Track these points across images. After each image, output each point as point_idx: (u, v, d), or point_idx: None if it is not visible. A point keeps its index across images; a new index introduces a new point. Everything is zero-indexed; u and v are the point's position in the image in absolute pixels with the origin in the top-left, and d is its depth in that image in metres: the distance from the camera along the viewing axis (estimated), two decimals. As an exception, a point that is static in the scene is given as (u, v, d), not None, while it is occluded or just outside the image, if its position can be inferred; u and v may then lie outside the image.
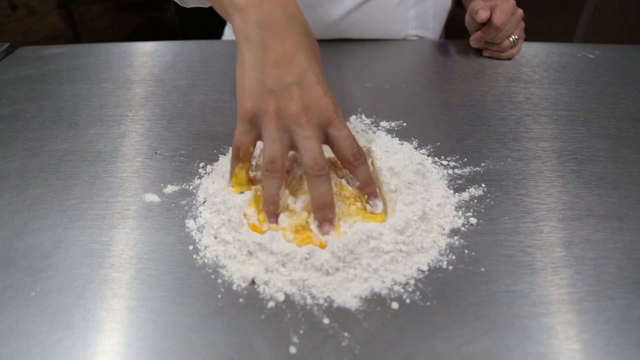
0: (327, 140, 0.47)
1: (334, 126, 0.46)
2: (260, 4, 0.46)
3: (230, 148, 0.51)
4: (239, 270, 0.42)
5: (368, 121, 0.64)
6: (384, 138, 0.58)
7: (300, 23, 0.48)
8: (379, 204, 0.48)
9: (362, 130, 0.60)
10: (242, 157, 0.48)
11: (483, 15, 0.76)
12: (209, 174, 0.54)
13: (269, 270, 0.42)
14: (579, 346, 0.36)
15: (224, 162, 0.55)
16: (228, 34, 1.04)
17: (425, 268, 0.42)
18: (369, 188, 0.48)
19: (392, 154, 0.53)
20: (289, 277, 0.41)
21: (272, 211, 0.46)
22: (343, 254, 0.41)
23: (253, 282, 0.41)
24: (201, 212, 0.49)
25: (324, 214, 0.45)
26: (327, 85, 0.47)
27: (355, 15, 0.86)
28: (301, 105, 0.44)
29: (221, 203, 0.47)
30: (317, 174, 0.44)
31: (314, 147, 0.44)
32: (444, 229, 0.46)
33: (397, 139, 0.60)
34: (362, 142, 0.54)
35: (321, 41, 0.87)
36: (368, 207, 0.48)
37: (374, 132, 0.60)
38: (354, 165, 0.46)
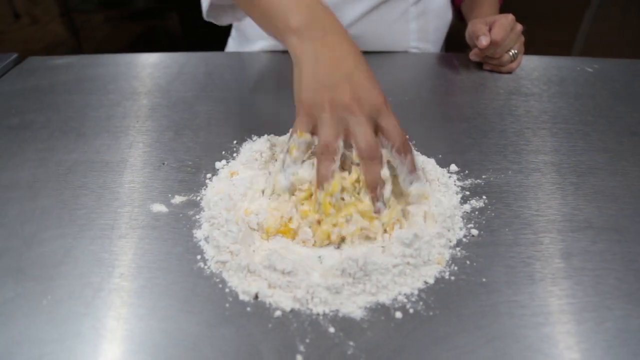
0: (377, 130, 0.50)
1: (384, 116, 0.49)
2: (313, 25, 0.53)
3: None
4: (242, 284, 0.43)
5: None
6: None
7: (347, 37, 0.54)
8: (422, 186, 0.50)
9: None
10: (296, 148, 0.50)
11: (484, 42, 0.77)
12: (211, 181, 0.56)
13: (272, 286, 0.42)
14: (579, 355, 0.37)
15: (225, 171, 0.57)
16: (232, 45, 1.05)
17: (432, 281, 0.43)
18: (412, 175, 0.50)
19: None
20: (292, 294, 0.42)
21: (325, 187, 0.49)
22: (353, 271, 0.42)
23: (257, 296, 0.42)
24: (202, 223, 0.50)
25: (378, 193, 0.48)
26: (377, 83, 0.51)
27: (357, 28, 0.88)
28: (353, 96, 0.49)
29: (219, 216, 0.48)
30: (371, 157, 0.48)
31: (367, 132, 0.48)
32: (450, 242, 0.47)
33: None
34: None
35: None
36: (411, 189, 0.50)
37: None
38: (402, 152, 0.49)
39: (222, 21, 0.78)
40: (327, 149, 0.48)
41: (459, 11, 1.01)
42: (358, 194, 0.49)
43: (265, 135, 0.61)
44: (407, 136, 0.50)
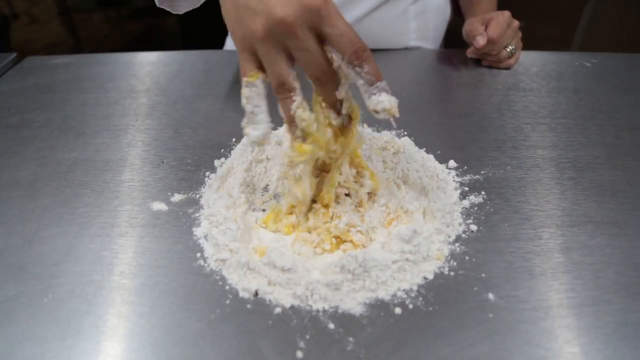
0: (323, 40, 0.41)
1: (327, 23, 0.40)
2: None
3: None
4: (242, 282, 0.43)
5: (369, 130, 0.65)
6: (408, 144, 0.60)
7: None
8: (387, 99, 0.42)
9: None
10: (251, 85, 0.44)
11: (481, 42, 0.77)
12: (209, 181, 0.56)
13: (272, 283, 0.42)
14: (578, 349, 0.37)
15: (223, 170, 0.57)
16: (230, 44, 1.05)
17: (431, 277, 0.43)
18: (378, 79, 0.42)
19: (414, 163, 0.56)
20: (292, 291, 0.42)
21: (292, 129, 0.45)
22: (352, 267, 0.42)
23: (256, 293, 0.42)
24: (201, 221, 0.50)
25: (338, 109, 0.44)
26: None
27: (357, 27, 0.87)
28: (285, 8, 0.39)
29: (218, 214, 0.48)
30: (323, 82, 0.42)
31: (315, 58, 0.41)
32: (449, 237, 0.47)
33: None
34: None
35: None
36: (372, 102, 0.41)
37: (399, 138, 0.62)
38: (359, 61, 0.41)
39: (177, 9, 0.70)
40: (284, 88, 0.42)
41: (457, 6, 1.01)
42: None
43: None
44: (362, 43, 0.41)
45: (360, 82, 0.41)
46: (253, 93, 0.43)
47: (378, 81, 0.41)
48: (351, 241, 0.47)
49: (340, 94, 0.43)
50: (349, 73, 0.41)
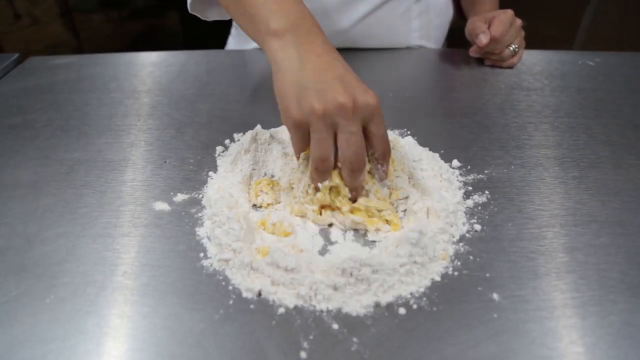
0: (365, 132, 0.47)
1: (375, 122, 0.46)
2: (297, 29, 0.50)
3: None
4: (245, 282, 0.43)
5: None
6: (411, 143, 0.60)
7: (331, 45, 0.51)
8: (385, 188, 0.51)
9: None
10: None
11: (483, 40, 0.77)
12: (212, 179, 0.56)
13: (275, 283, 0.42)
14: (583, 349, 0.37)
15: (223, 168, 0.57)
16: (232, 44, 1.05)
17: (438, 278, 0.43)
18: (381, 182, 0.50)
19: (418, 162, 0.56)
20: (296, 291, 0.41)
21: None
22: (355, 271, 0.42)
23: (260, 293, 0.42)
24: (204, 221, 0.50)
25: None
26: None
27: (360, 26, 0.87)
28: (347, 95, 0.45)
29: (221, 214, 0.48)
30: (356, 169, 0.46)
31: (358, 143, 0.45)
32: (453, 237, 0.47)
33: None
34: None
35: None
36: (377, 184, 0.50)
37: (403, 137, 0.62)
38: (382, 162, 0.48)
39: (207, 16, 0.73)
40: (324, 165, 0.46)
41: (459, 8, 1.00)
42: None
43: (250, 132, 0.60)
44: (390, 148, 0.49)
45: (375, 176, 0.50)
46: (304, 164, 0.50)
47: (385, 179, 0.50)
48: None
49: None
50: (371, 165, 0.49)
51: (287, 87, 0.47)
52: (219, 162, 0.59)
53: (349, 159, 0.46)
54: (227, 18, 0.72)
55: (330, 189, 0.49)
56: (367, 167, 0.48)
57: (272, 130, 0.60)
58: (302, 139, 0.48)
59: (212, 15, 0.73)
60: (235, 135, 0.63)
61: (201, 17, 0.73)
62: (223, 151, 0.61)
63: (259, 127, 0.59)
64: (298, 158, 0.50)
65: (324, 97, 0.45)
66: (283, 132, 0.60)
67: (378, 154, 0.48)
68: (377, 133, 0.47)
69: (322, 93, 0.45)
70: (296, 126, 0.47)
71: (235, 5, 0.57)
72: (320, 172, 0.47)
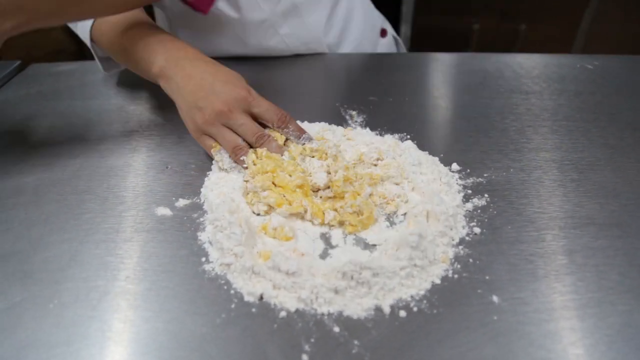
0: (254, 118, 0.58)
1: (254, 105, 0.58)
2: (169, 64, 0.60)
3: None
4: (246, 286, 0.43)
5: (373, 133, 0.65)
6: (411, 147, 0.60)
7: (200, 56, 0.62)
8: (314, 143, 0.58)
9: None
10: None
11: None
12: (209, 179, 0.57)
13: (277, 287, 0.42)
14: (582, 351, 0.37)
15: (215, 172, 0.58)
16: None
17: (438, 281, 0.43)
18: (303, 133, 0.59)
19: (418, 166, 0.56)
20: (297, 295, 0.42)
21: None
22: (357, 274, 0.42)
23: (261, 297, 0.42)
24: (206, 226, 0.50)
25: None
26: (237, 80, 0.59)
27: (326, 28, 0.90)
28: (221, 103, 0.56)
29: (222, 218, 0.48)
30: (261, 142, 0.56)
31: (248, 125, 0.57)
32: (453, 240, 0.48)
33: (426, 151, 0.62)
34: (390, 155, 0.58)
35: (324, 54, 0.89)
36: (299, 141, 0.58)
37: (402, 142, 0.62)
38: (284, 125, 0.58)
39: (108, 70, 0.80)
40: (239, 150, 0.56)
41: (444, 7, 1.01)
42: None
43: None
44: (283, 112, 0.58)
45: (291, 138, 0.59)
46: (223, 155, 0.57)
47: (302, 134, 0.58)
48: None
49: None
50: (285, 134, 0.58)
51: (181, 112, 0.60)
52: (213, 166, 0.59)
53: (252, 141, 0.56)
54: (122, 69, 0.80)
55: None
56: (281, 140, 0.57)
57: None
58: (207, 139, 0.58)
59: (112, 69, 0.80)
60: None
61: (104, 71, 0.79)
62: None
63: None
64: (213, 153, 0.58)
65: (205, 110, 0.57)
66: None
67: (276, 124, 0.58)
68: (260, 109, 0.58)
69: (202, 109, 0.57)
70: (199, 137, 0.59)
71: (127, 61, 0.68)
72: (237, 157, 0.56)
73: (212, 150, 0.58)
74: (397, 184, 0.55)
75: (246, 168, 0.55)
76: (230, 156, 0.56)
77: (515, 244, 0.47)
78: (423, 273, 0.44)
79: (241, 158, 0.56)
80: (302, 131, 0.58)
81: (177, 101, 0.60)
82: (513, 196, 0.54)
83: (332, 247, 0.48)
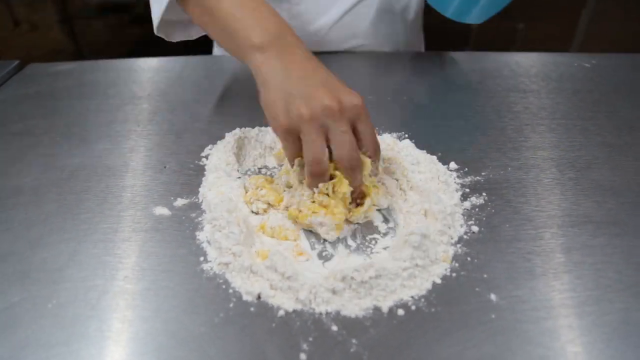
0: (355, 132, 0.49)
1: (362, 121, 0.48)
2: (278, 42, 0.51)
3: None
4: (245, 285, 0.43)
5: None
6: (409, 146, 0.60)
7: (311, 53, 0.53)
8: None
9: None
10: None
11: None
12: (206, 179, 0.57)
13: (274, 287, 0.42)
14: (580, 349, 0.37)
15: (212, 171, 0.57)
16: (217, 51, 1.05)
17: (439, 281, 0.43)
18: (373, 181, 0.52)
19: (416, 165, 0.56)
20: (295, 296, 0.42)
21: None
22: (358, 275, 0.42)
23: (259, 296, 0.42)
24: (204, 225, 0.50)
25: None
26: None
27: (349, 17, 0.88)
28: (333, 98, 0.46)
29: (221, 218, 0.48)
30: (354, 167, 0.47)
31: (351, 142, 0.47)
32: (452, 239, 0.48)
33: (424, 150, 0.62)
34: (390, 154, 0.58)
35: (323, 53, 0.89)
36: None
37: (400, 140, 0.62)
38: (378, 157, 0.51)
39: (173, 37, 0.74)
40: (319, 168, 0.47)
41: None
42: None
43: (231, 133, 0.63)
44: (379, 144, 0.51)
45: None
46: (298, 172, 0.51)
47: (377, 175, 0.53)
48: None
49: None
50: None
51: (274, 98, 0.49)
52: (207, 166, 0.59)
53: (345, 157, 0.47)
54: (193, 38, 0.73)
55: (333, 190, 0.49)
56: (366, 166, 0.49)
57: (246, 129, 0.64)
58: (294, 145, 0.49)
59: (177, 36, 0.73)
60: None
61: (167, 39, 0.73)
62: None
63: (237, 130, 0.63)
64: (292, 165, 0.51)
65: (310, 101, 0.46)
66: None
67: (370, 152, 0.50)
68: (365, 131, 0.49)
69: (308, 98, 0.47)
70: (286, 133, 0.48)
71: (213, 22, 0.57)
72: (316, 175, 0.48)
73: (296, 160, 0.50)
74: (396, 179, 0.55)
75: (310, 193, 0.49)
76: (306, 172, 0.48)
77: (513, 243, 0.47)
78: (424, 273, 0.44)
79: (317, 185, 0.48)
80: (378, 172, 0.53)
81: (270, 85, 0.50)
82: (511, 194, 0.54)
83: (332, 247, 0.48)
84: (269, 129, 0.62)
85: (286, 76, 0.49)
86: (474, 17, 0.75)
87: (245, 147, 0.62)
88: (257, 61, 0.51)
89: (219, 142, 0.62)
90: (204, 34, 0.69)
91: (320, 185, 0.48)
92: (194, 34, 0.74)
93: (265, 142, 0.62)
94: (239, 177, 0.57)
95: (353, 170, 0.47)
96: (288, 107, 0.47)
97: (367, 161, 0.50)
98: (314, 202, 0.49)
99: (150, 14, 0.67)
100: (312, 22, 0.88)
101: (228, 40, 0.56)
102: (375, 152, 0.50)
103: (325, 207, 0.48)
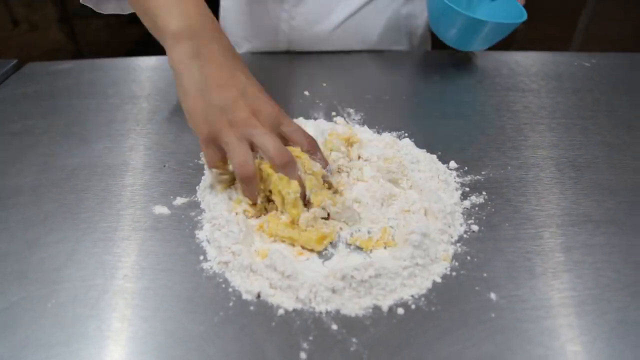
0: (281, 136, 0.51)
1: (284, 124, 0.51)
2: (197, 35, 0.51)
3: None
4: (244, 284, 0.43)
5: (371, 131, 0.65)
6: (409, 145, 0.61)
7: (231, 50, 0.53)
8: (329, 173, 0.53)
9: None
10: (221, 176, 0.53)
11: None
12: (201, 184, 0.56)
13: (273, 286, 0.43)
14: (580, 348, 0.37)
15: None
16: None
17: (439, 280, 0.43)
18: (327, 164, 0.53)
19: (416, 164, 0.57)
20: (295, 295, 0.42)
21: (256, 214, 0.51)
22: (358, 274, 0.42)
23: (259, 295, 0.42)
24: (204, 224, 0.50)
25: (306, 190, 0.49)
26: (267, 94, 0.52)
27: (351, 21, 0.88)
28: (250, 111, 0.49)
29: (220, 217, 0.48)
30: (285, 162, 0.47)
31: (273, 140, 0.48)
32: (451, 237, 0.48)
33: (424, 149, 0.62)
34: (390, 152, 0.58)
35: (323, 53, 0.89)
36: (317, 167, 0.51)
37: (400, 139, 0.62)
38: (314, 150, 0.51)
39: (101, 8, 0.70)
40: (246, 170, 0.47)
41: None
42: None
43: None
44: (311, 137, 0.52)
45: (316, 165, 0.51)
46: (223, 178, 0.52)
47: (327, 165, 0.52)
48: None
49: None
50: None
51: (193, 104, 0.49)
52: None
53: (273, 154, 0.47)
54: (125, 13, 0.71)
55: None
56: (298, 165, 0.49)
57: None
58: (214, 153, 0.50)
59: (107, 8, 0.70)
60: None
61: (95, 9, 0.70)
62: None
63: None
64: (211, 171, 0.53)
65: (229, 113, 0.48)
66: None
67: (305, 146, 0.51)
68: (291, 130, 0.51)
69: (227, 110, 0.48)
70: (208, 141, 0.49)
71: (137, 3, 0.56)
72: (245, 179, 0.48)
73: (214, 170, 0.52)
74: (395, 180, 0.55)
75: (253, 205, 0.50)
76: (237, 180, 0.49)
77: (513, 242, 0.47)
78: (424, 272, 0.44)
79: (252, 191, 0.49)
80: (327, 162, 0.53)
81: (189, 87, 0.50)
82: (511, 194, 0.54)
83: (332, 246, 0.48)
84: None
85: (204, 82, 0.49)
86: (475, 46, 0.78)
87: None
88: (175, 57, 0.50)
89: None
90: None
91: (259, 201, 0.50)
92: (126, 9, 0.70)
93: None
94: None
95: (286, 166, 0.48)
96: (208, 117, 0.49)
97: (304, 158, 0.50)
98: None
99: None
100: (314, 25, 0.87)
101: (149, 23, 0.55)
102: (310, 144, 0.51)
103: (291, 238, 0.47)
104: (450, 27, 0.75)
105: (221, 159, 0.51)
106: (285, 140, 0.51)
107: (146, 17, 0.55)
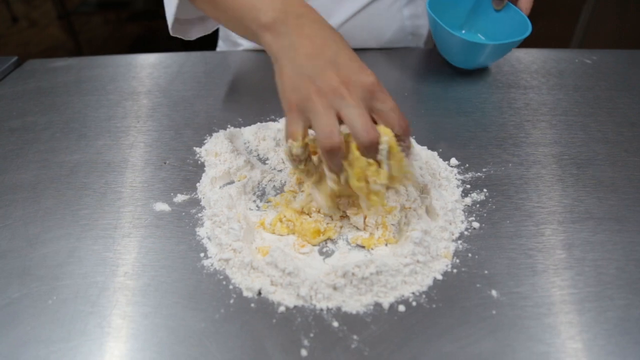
0: (373, 113, 0.46)
1: (378, 98, 0.45)
2: (285, 17, 0.49)
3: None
4: (245, 281, 0.43)
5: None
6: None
7: (325, 23, 0.50)
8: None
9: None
10: (295, 155, 0.47)
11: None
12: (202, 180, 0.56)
13: (274, 283, 0.42)
14: (581, 345, 0.37)
15: (212, 167, 0.57)
16: (222, 46, 1.05)
17: (440, 277, 0.43)
18: (407, 157, 0.47)
19: (416, 161, 0.57)
20: (296, 292, 0.42)
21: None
22: (359, 272, 0.42)
23: (260, 292, 0.42)
24: (204, 221, 0.50)
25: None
26: (364, 64, 0.47)
27: (354, 21, 0.88)
28: (340, 80, 0.45)
29: (221, 214, 0.48)
30: (371, 145, 0.43)
31: (361, 115, 0.44)
32: (453, 235, 0.48)
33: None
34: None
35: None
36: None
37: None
38: (407, 135, 0.46)
39: (190, 35, 0.73)
40: (329, 140, 0.43)
41: None
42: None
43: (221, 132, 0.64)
44: (406, 120, 0.46)
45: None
46: (300, 152, 0.47)
47: (409, 156, 0.47)
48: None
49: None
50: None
51: (284, 76, 0.47)
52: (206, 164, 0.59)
53: (359, 131, 0.43)
54: (209, 32, 0.73)
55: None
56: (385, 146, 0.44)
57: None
58: (296, 122, 0.46)
59: (194, 33, 0.73)
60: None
61: (184, 38, 0.72)
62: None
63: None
64: (287, 152, 0.47)
65: (318, 82, 0.45)
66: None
67: (396, 129, 0.45)
68: (383, 108, 0.45)
69: (315, 78, 0.45)
70: (294, 110, 0.46)
71: (221, 12, 0.56)
72: (329, 151, 0.44)
73: (288, 140, 0.47)
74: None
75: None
76: (320, 147, 0.45)
77: (514, 239, 0.47)
78: (426, 269, 0.44)
79: (337, 163, 0.45)
80: (410, 149, 0.48)
81: (281, 62, 0.48)
82: (512, 191, 0.54)
83: (333, 242, 0.48)
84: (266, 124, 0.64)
85: (294, 54, 0.47)
86: (480, 64, 0.79)
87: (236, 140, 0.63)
88: (268, 41, 0.50)
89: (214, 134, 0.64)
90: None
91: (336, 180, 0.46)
92: (210, 27, 0.74)
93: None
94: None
95: (370, 148, 0.44)
96: (296, 85, 0.46)
97: (392, 140, 0.45)
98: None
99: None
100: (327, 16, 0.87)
101: (239, 27, 0.55)
102: (402, 128, 0.45)
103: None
104: (453, 49, 0.78)
105: (301, 131, 0.46)
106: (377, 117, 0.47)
107: (233, 23, 0.56)
